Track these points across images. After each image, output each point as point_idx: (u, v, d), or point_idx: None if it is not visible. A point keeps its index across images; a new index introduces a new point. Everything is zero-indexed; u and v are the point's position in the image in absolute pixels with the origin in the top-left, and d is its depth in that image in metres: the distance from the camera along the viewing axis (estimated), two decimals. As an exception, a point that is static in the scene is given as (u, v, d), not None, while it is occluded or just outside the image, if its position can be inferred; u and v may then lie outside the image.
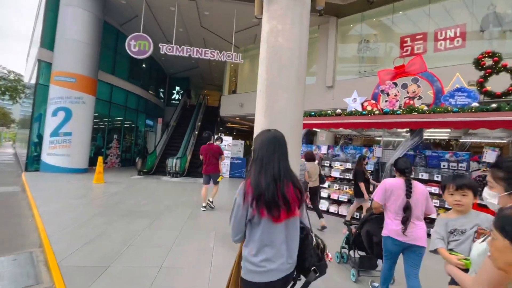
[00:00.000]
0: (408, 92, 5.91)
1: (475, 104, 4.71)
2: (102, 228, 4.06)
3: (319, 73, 10.91)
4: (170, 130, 14.68)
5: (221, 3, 10.14)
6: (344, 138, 8.28)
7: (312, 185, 4.90)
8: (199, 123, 14.92)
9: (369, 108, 5.93)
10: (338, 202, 6.09)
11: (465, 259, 1.39)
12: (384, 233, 2.37)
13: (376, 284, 2.79)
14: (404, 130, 5.73)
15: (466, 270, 1.29)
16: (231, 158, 11.84)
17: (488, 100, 5.17)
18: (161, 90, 20.31)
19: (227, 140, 11.85)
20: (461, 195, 1.66)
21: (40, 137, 9.86)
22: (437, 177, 4.79)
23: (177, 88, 21.43)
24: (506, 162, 1.13)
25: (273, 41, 3.35)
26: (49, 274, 2.75)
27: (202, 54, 9.56)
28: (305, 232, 1.41)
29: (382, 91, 6.17)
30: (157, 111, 18.35)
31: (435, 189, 4.74)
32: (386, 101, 6.06)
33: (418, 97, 5.76)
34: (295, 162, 3.56)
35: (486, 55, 5.14)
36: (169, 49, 9.35)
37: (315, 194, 5.00)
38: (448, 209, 3.96)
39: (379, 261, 2.93)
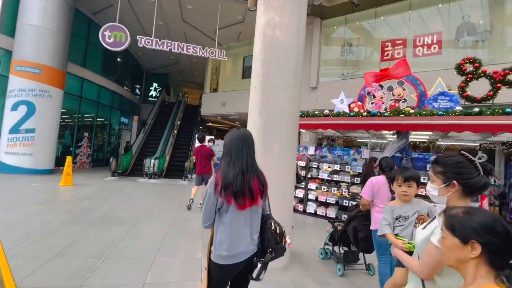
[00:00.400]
0: (393, 95, 5.99)
1: (458, 108, 4.84)
2: (71, 239, 3.55)
3: (303, 73, 10.83)
4: (147, 129, 13.90)
5: (204, -3, 9.74)
6: (327, 139, 8.30)
7: None
8: (179, 122, 14.32)
9: (356, 109, 5.94)
10: (325, 204, 6.01)
11: (409, 243, 1.57)
12: (374, 227, 2.48)
13: None
14: (391, 132, 5.80)
15: (409, 253, 1.42)
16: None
17: (469, 104, 5.37)
18: (138, 86, 19.32)
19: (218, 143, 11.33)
20: (407, 186, 1.94)
21: (-4, 133, 8.79)
22: (424, 179, 4.86)
23: (155, 84, 20.48)
24: (443, 158, 1.23)
25: (270, 34, 3.12)
26: (4, 299, 2.28)
27: (183, 49, 9.08)
28: (265, 219, 1.57)
29: (368, 93, 6.21)
30: (132, 108, 17.36)
31: (422, 191, 4.79)
32: (372, 103, 6.10)
33: (403, 100, 5.85)
34: (292, 160, 3.37)
35: (468, 61, 5.33)
36: (148, 42, 8.76)
37: None
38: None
39: (361, 254, 3.29)
